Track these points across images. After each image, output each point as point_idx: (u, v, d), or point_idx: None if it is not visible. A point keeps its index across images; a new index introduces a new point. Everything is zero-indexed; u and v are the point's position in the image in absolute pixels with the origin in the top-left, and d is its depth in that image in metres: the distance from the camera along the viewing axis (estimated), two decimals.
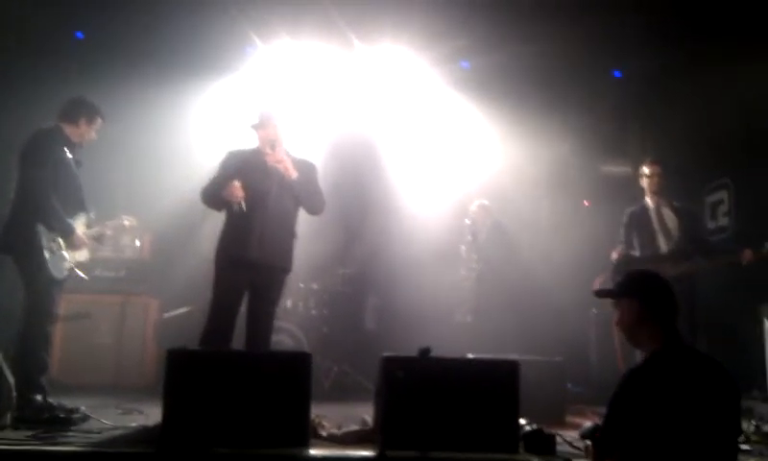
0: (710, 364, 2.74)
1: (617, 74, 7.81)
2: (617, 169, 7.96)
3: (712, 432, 2.62)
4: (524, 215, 6.92)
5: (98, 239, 5.17)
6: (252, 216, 4.70)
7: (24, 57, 6.91)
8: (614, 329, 5.60)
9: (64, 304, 5.10)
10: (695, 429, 2.60)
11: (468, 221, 6.58)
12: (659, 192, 5.73)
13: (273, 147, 4.83)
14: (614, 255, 5.73)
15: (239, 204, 4.66)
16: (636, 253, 5.67)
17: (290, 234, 4.94)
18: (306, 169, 4.95)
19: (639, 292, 2.93)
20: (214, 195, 4.80)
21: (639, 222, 5.74)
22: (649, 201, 5.77)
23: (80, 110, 4.95)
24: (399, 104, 7.62)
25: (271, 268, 4.80)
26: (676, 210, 5.70)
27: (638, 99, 7.74)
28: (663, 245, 5.62)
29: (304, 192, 4.90)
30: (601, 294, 3.48)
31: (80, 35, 7.40)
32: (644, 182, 5.80)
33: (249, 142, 5.03)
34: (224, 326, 4.67)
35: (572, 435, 4.05)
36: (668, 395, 2.63)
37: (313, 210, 5.00)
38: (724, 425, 2.67)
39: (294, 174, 4.79)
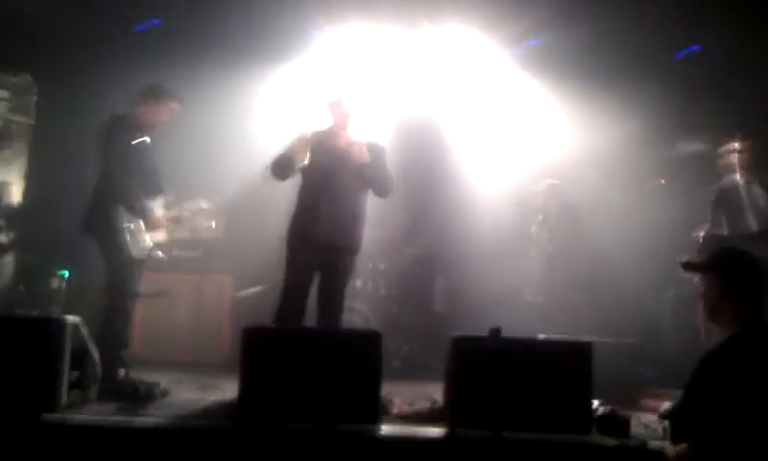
0: None
1: (694, 48, 7.53)
2: (693, 146, 7.67)
3: None
4: (596, 194, 6.74)
5: (176, 221, 5.35)
6: (321, 198, 4.78)
7: (104, 44, 7.13)
8: (699, 306, 5.51)
9: (144, 284, 5.26)
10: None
11: (537, 201, 6.49)
12: (749, 169, 5.50)
13: (345, 129, 4.87)
14: (701, 234, 5.54)
15: (303, 173, 4.71)
16: (725, 231, 5.46)
17: (359, 216, 4.98)
18: (376, 152, 4.97)
19: (724, 268, 2.86)
20: (282, 162, 4.86)
21: (729, 199, 5.52)
22: (738, 177, 5.55)
23: (153, 96, 5.11)
24: (466, 84, 7.51)
25: (340, 249, 4.86)
26: (767, 187, 5.49)
27: (716, 73, 7.42)
28: (753, 223, 5.40)
29: (375, 176, 4.93)
30: (688, 267, 3.41)
31: (157, 21, 7.61)
32: (734, 158, 5.58)
33: (318, 124, 5.08)
34: (296, 305, 4.76)
35: (647, 418, 3.98)
36: (747, 379, 2.55)
37: (382, 193, 5.04)
38: None
39: (367, 157, 4.83)
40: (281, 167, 4.90)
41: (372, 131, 5.27)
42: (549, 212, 6.42)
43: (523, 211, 6.68)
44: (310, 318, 4.97)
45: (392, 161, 5.19)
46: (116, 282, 4.83)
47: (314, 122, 5.15)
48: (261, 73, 7.15)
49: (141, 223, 4.94)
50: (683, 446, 2.67)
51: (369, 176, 4.91)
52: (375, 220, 5.40)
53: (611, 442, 3.61)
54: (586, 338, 4.26)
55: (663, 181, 7.54)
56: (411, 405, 4.15)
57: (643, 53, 7.08)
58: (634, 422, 3.85)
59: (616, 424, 3.73)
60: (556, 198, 6.61)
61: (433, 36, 7.16)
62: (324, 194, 4.78)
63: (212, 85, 6.84)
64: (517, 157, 7.29)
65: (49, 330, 3.93)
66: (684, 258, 5.52)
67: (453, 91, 7.53)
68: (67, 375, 3.93)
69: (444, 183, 7.34)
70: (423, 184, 7.31)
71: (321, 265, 4.85)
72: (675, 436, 2.75)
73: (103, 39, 7.12)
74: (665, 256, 6.01)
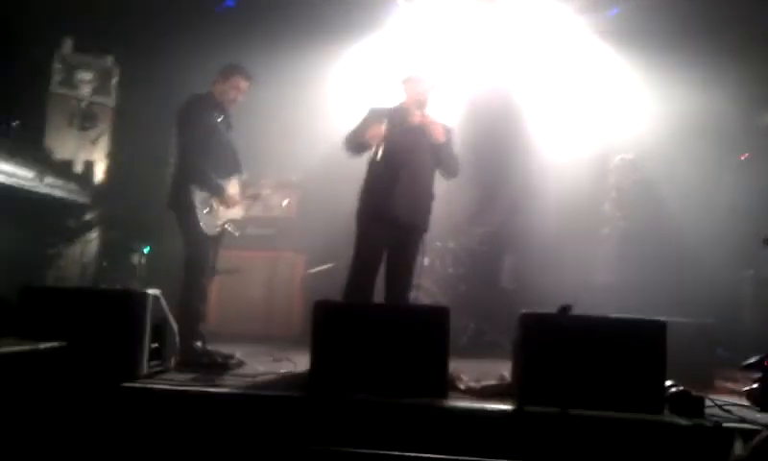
0: None
1: None
2: None
3: None
4: (675, 170, 6.53)
5: (254, 198, 5.50)
6: (393, 174, 4.80)
7: (182, 26, 7.31)
8: None
9: (220, 261, 5.43)
10: None
11: (610, 178, 6.34)
12: None
13: (421, 107, 4.87)
14: None
15: (377, 149, 4.72)
16: None
17: (429, 194, 5.01)
18: (447, 133, 4.98)
19: None
20: (356, 137, 4.91)
21: None
22: None
23: (222, 73, 5.22)
24: (542, 55, 7.38)
25: (410, 226, 4.89)
26: None
27: None
28: None
29: (448, 156, 4.94)
30: None
31: (231, 3, 7.76)
32: None
33: (392, 100, 5.09)
34: (365, 281, 4.83)
35: (723, 399, 3.87)
36: None
37: (450, 174, 5.06)
38: None
39: (442, 137, 4.85)
40: (355, 146, 4.95)
41: (445, 104, 5.26)
42: (623, 189, 6.26)
43: (597, 188, 6.53)
44: (378, 295, 5.04)
45: (463, 137, 5.18)
46: (192, 258, 4.99)
47: (388, 98, 5.16)
48: (337, 49, 7.22)
49: (216, 201, 5.07)
50: None
51: (442, 156, 4.92)
52: (444, 198, 5.40)
53: (683, 421, 3.53)
54: (659, 317, 4.18)
55: (747, 156, 7.24)
56: (478, 381, 4.15)
57: (727, 20, 6.78)
58: (708, 403, 3.75)
59: (690, 404, 3.65)
60: (631, 174, 6.44)
61: (508, 5, 7.04)
62: (402, 170, 4.80)
63: (288, 63, 6.96)
64: (593, 132, 7.13)
65: (131, 303, 4.11)
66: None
67: (529, 63, 7.42)
68: (148, 345, 4.11)
69: (517, 159, 7.26)
70: (496, 160, 7.25)
71: (392, 242, 4.88)
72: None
73: (181, 21, 7.31)
74: (745, 235, 5.80)
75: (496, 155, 7.28)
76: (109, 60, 6.89)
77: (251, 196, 5.46)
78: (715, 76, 6.92)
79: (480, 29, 7.35)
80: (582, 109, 7.31)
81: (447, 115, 5.22)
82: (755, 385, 3.66)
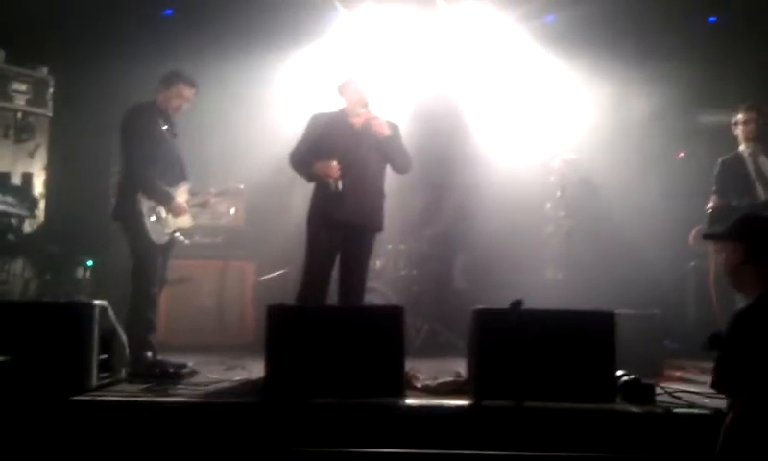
0: None
1: (712, 19, 7.46)
2: (713, 118, 7.60)
3: None
4: (615, 169, 6.71)
5: (202, 205, 5.43)
6: (343, 176, 4.77)
7: (118, 36, 7.19)
8: (712, 283, 5.49)
9: (168, 270, 5.34)
10: None
11: (552, 178, 6.47)
12: (754, 139, 5.48)
13: (364, 106, 4.87)
14: (710, 205, 5.52)
15: (335, 183, 4.74)
16: (733, 202, 5.44)
17: (380, 194, 5.00)
18: (393, 129, 4.97)
19: (746, 235, 2.90)
20: (305, 167, 4.91)
21: (734, 171, 5.50)
22: (744, 148, 5.53)
23: (169, 82, 5.14)
24: (483, 62, 7.51)
25: (362, 228, 4.88)
26: None
27: (735, 44, 7.35)
28: (762, 193, 5.38)
29: (395, 150, 4.93)
30: (710, 237, 3.40)
31: (168, 12, 7.66)
32: (739, 130, 5.56)
33: (333, 105, 5.10)
34: (318, 285, 4.81)
35: (672, 386, 3.98)
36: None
37: (402, 169, 5.04)
38: None
39: (386, 131, 4.83)
40: (304, 173, 4.98)
41: (389, 110, 5.29)
42: (566, 188, 6.39)
43: (543, 188, 6.65)
44: (332, 299, 5.03)
45: (411, 141, 5.21)
46: (141, 268, 4.90)
47: (327, 104, 5.17)
48: (279, 58, 7.21)
49: (163, 210, 4.99)
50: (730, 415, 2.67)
51: (389, 150, 4.91)
52: (395, 201, 5.42)
53: (635, 409, 3.62)
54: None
55: (683, 154, 7.50)
56: (435, 380, 4.17)
57: (661, 25, 7.03)
58: (658, 390, 3.85)
59: (641, 392, 3.74)
60: (572, 173, 6.57)
61: (448, 14, 7.14)
62: (346, 173, 4.78)
63: (230, 72, 6.91)
64: (536, 135, 7.28)
65: (77, 314, 4.00)
66: (691, 237, 5.59)
67: (470, 70, 7.53)
68: (96, 357, 4.00)
69: (463, 163, 7.34)
70: (442, 164, 7.31)
71: (343, 244, 4.87)
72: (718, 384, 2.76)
73: (117, 31, 7.19)
74: (685, 228, 5.99)
75: (446, 157, 7.34)
76: (44, 70, 6.72)
77: (198, 204, 5.39)
78: (652, 78, 7.17)
79: (423, 36, 7.43)
80: (526, 111, 7.44)
81: (394, 114, 5.24)
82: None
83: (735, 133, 5.61)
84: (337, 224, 4.81)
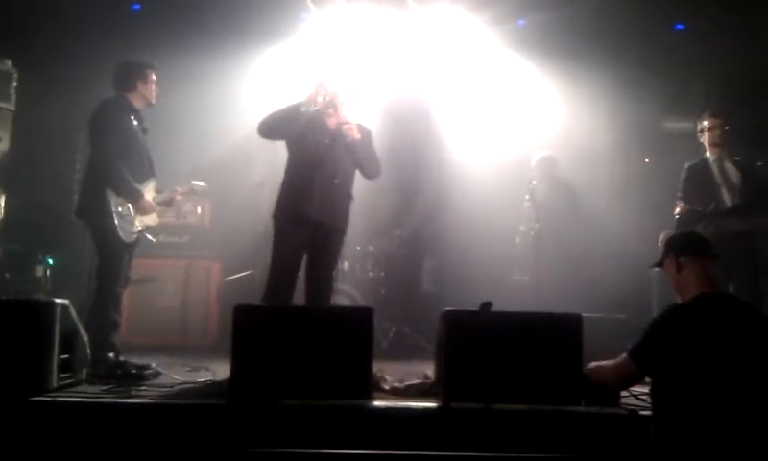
0: (749, 310, 2.97)
1: (679, 27, 7.59)
2: (680, 125, 7.73)
3: (742, 374, 2.78)
4: (583, 173, 6.78)
5: (169, 203, 5.33)
6: (314, 174, 4.73)
7: (85, 32, 7.06)
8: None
9: (133, 270, 5.25)
10: (718, 365, 2.79)
11: (533, 182, 6.50)
12: (720, 145, 5.56)
13: (336, 108, 4.84)
14: (677, 211, 5.60)
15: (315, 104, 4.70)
16: (698, 208, 5.53)
17: (348, 196, 4.97)
18: (365, 133, 4.96)
19: (672, 248, 3.22)
20: (287, 110, 4.76)
21: (700, 177, 5.57)
22: (710, 155, 5.61)
23: (131, 73, 5.05)
24: (454, 64, 7.53)
25: (329, 228, 4.83)
26: (738, 164, 5.54)
27: (701, 52, 7.49)
28: (728, 199, 5.47)
29: (365, 155, 4.91)
30: (655, 266, 3.53)
31: (137, 6, 7.54)
32: (704, 136, 5.64)
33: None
34: (284, 285, 4.74)
35: (636, 389, 4.01)
36: (703, 332, 2.84)
37: (371, 174, 5.03)
38: (756, 369, 2.80)
39: (357, 135, 4.81)
40: (282, 121, 4.77)
41: (360, 111, 5.26)
42: (535, 191, 6.43)
43: (512, 190, 6.68)
44: (299, 298, 4.98)
45: (381, 143, 5.19)
46: (105, 266, 4.80)
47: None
48: (249, 56, 7.12)
49: (131, 206, 4.89)
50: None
51: (359, 155, 4.89)
52: (363, 202, 5.41)
53: (601, 411, 3.64)
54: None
55: (648, 161, 7.61)
56: (403, 381, 4.15)
57: (629, 32, 7.13)
58: (623, 393, 3.88)
59: (606, 394, 3.76)
60: (550, 170, 6.58)
61: (420, 15, 7.15)
62: (317, 171, 4.74)
63: (199, 69, 6.82)
64: (505, 138, 7.32)
65: (37, 313, 3.91)
66: (660, 241, 5.66)
67: (442, 72, 7.54)
68: (57, 357, 3.90)
69: (432, 165, 7.36)
70: (412, 166, 7.32)
71: (310, 244, 4.82)
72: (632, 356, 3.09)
73: (85, 25, 7.05)
74: (651, 233, 6.05)
75: (416, 158, 7.35)
76: (8, 63, 6.54)
77: (164, 202, 5.29)
78: (621, 83, 7.27)
79: (394, 37, 7.42)
80: (496, 114, 7.48)
81: (365, 116, 5.21)
82: None
83: (701, 140, 5.69)
84: (305, 221, 4.75)
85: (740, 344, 2.83)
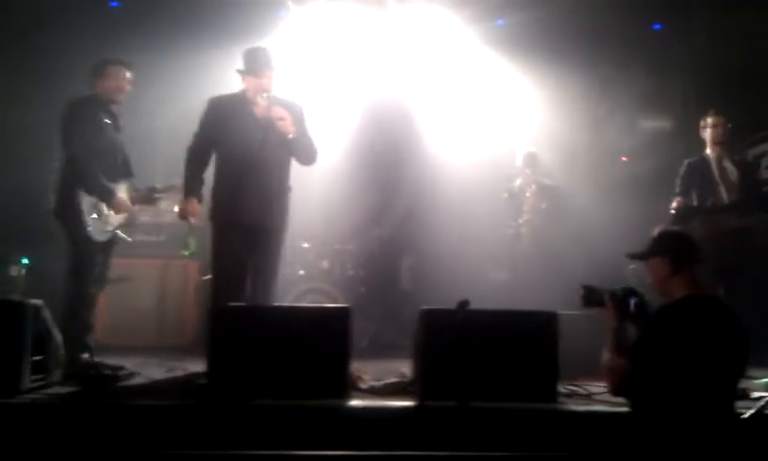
0: (725, 311, 2.99)
1: (657, 27, 7.66)
2: (657, 124, 7.81)
3: (714, 370, 2.88)
4: (561, 171, 6.81)
5: (149, 201, 5.28)
6: (246, 178, 4.50)
7: (61, 28, 6.97)
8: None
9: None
10: (702, 367, 2.86)
11: (518, 181, 6.51)
12: (721, 143, 5.63)
13: (268, 99, 4.58)
14: (673, 206, 5.63)
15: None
16: (694, 203, 5.58)
17: (285, 190, 4.74)
18: (297, 117, 4.70)
19: (669, 249, 3.16)
20: (194, 177, 4.66)
21: (700, 173, 5.63)
22: (710, 152, 5.67)
23: (93, 70, 4.99)
24: (434, 63, 7.53)
25: (268, 229, 4.64)
26: (736, 163, 5.64)
27: (678, 53, 7.56)
28: (725, 197, 5.52)
29: (300, 146, 4.68)
30: (632, 256, 3.52)
31: (115, 3, 7.46)
32: (706, 134, 5.69)
33: (233, 87, 4.82)
34: (233, 292, 4.46)
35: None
36: (687, 333, 2.89)
37: (308, 162, 4.81)
38: (727, 366, 2.93)
39: (292, 129, 4.57)
40: (189, 173, 4.72)
41: (339, 110, 5.16)
42: (513, 189, 6.46)
43: (491, 188, 6.70)
44: None
45: (361, 142, 5.11)
46: (78, 266, 4.74)
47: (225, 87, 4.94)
48: (227, 54, 7.00)
49: (104, 206, 4.84)
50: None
51: (296, 148, 4.66)
52: (343, 200, 5.38)
53: (577, 408, 3.66)
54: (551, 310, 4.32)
55: (625, 159, 7.67)
56: (380, 380, 4.15)
57: (607, 31, 7.18)
58: (599, 390, 3.90)
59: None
60: (534, 168, 6.59)
61: (399, 14, 7.14)
62: (251, 172, 4.50)
63: (177, 67, 6.74)
64: (485, 136, 7.33)
65: (9, 314, 3.86)
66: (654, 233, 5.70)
67: (421, 70, 7.54)
68: (29, 358, 3.85)
69: (412, 163, 7.35)
70: (391, 165, 7.30)
71: (252, 246, 4.60)
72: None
73: (60, 21, 6.96)
74: (628, 232, 6.09)
75: (395, 157, 7.34)
76: None
77: (143, 200, 5.23)
78: (600, 82, 7.32)
79: (373, 35, 7.41)
80: (475, 113, 7.50)
81: (344, 114, 5.15)
82: None
83: (703, 136, 5.74)
84: (240, 227, 4.55)
85: (720, 348, 2.90)
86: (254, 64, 4.70)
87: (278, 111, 4.55)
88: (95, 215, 4.77)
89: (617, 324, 3.22)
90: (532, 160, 6.57)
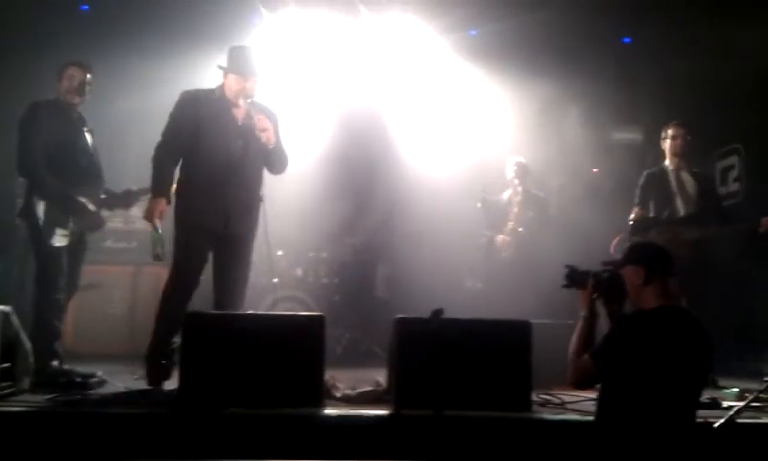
0: (693, 322, 3.06)
1: (627, 40, 7.78)
2: (627, 136, 7.91)
3: (681, 380, 2.96)
4: (533, 182, 6.87)
5: (124, 205, 5.19)
6: (223, 187, 4.38)
7: (30, 32, 6.87)
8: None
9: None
10: (667, 375, 2.92)
11: (506, 193, 6.55)
12: (680, 155, 5.69)
13: (250, 105, 4.44)
14: (631, 216, 5.70)
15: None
16: (652, 214, 5.65)
17: (258, 200, 4.63)
18: (275, 125, 4.57)
19: (644, 259, 3.20)
20: (162, 179, 4.45)
21: (658, 184, 5.69)
22: (669, 163, 5.74)
23: (59, 71, 4.86)
24: (407, 72, 7.57)
25: (240, 237, 4.54)
26: (694, 175, 5.69)
27: (648, 65, 7.68)
28: (681, 208, 5.59)
29: (276, 156, 4.58)
30: (607, 264, 3.56)
31: (85, 7, 7.37)
32: (666, 145, 5.75)
33: (209, 83, 4.68)
34: (186, 289, 4.45)
35: (587, 395, 4.07)
36: (655, 342, 2.96)
37: (279, 172, 4.71)
38: (693, 376, 3.02)
39: (274, 142, 4.46)
40: (157, 174, 4.51)
41: (312, 119, 5.15)
42: (487, 200, 6.50)
43: (464, 197, 6.74)
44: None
45: (335, 150, 5.09)
46: (43, 272, 4.63)
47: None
48: (199, 60, 6.96)
49: (68, 212, 4.73)
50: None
51: (274, 159, 4.57)
52: (318, 208, 5.36)
53: (551, 417, 3.68)
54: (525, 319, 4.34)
55: (597, 172, 7.76)
56: (354, 389, 4.14)
57: (579, 44, 7.27)
58: (572, 398, 3.94)
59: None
60: (523, 177, 6.62)
61: (372, 23, 7.16)
62: (230, 182, 4.38)
63: (149, 73, 6.67)
64: (459, 145, 7.38)
65: None
66: (613, 246, 5.77)
67: (394, 78, 7.57)
68: None
69: (386, 171, 7.36)
70: (365, 173, 7.31)
71: (220, 251, 4.51)
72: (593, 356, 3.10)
73: (31, 25, 6.87)
74: (598, 241, 6.16)
75: (367, 166, 7.34)
76: None
77: (116, 204, 5.15)
78: (570, 96, 7.40)
79: (346, 44, 7.41)
80: (449, 122, 7.54)
81: (318, 123, 5.13)
82: None
83: (663, 147, 5.80)
84: (209, 233, 4.44)
85: (687, 358, 2.96)
86: (242, 65, 4.52)
87: (263, 122, 4.40)
88: (52, 221, 4.62)
89: (589, 313, 3.30)
90: (522, 170, 6.60)
